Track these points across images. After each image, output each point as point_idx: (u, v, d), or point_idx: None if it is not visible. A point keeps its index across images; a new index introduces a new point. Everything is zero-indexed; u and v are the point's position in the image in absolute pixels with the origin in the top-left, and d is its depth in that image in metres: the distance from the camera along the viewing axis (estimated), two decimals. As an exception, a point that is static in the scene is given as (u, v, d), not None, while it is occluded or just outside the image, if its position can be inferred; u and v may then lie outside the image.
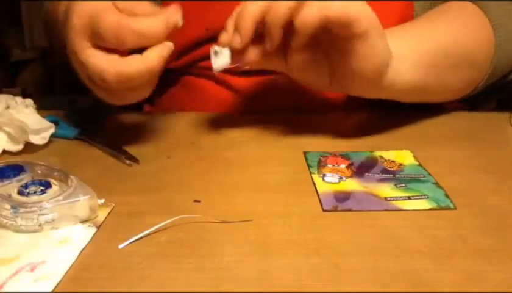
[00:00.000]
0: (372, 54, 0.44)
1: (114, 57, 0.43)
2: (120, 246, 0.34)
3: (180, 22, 0.44)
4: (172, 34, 0.44)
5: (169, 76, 0.64)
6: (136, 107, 0.73)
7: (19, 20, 2.12)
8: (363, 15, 0.43)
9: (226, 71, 0.50)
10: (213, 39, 0.49)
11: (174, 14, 0.43)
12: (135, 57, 0.43)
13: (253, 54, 0.46)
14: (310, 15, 0.42)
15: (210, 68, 0.49)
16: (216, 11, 0.57)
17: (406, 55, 0.49)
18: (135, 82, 0.43)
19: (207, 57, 0.55)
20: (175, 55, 0.55)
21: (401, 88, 0.49)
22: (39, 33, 2.09)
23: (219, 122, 0.57)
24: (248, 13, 0.43)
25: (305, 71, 0.48)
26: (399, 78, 0.48)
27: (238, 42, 0.44)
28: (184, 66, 0.63)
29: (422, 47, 0.51)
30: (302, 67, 0.47)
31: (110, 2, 0.44)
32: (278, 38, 0.44)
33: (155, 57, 0.43)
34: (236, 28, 0.44)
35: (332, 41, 0.46)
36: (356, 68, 0.45)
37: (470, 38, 0.55)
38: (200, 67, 0.62)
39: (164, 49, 0.44)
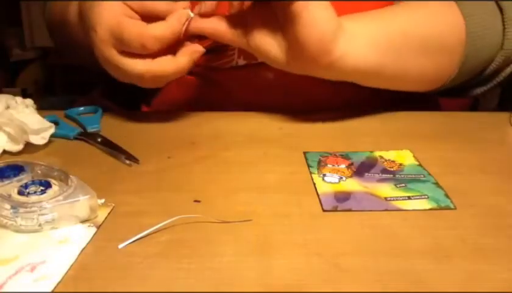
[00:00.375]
0: (314, 21, 0.47)
1: (149, 61, 0.49)
2: (120, 246, 0.34)
3: (191, 14, 0.50)
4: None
5: None
6: (134, 108, 0.73)
7: (19, 20, 2.12)
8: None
9: (216, 67, 0.53)
10: (202, 37, 0.51)
11: (184, 11, 0.49)
12: (168, 59, 0.50)
13: (216, 22, 0.51)
14: None
15: (203, 66, 0.51)
16: None
17: (360, 34, 0.50)
18: (169, 79, 0.51)
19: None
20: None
21: (355, 67, 0.51)
22: (39, 33, 2.09)
23: (219, 122, 0.57)
24: None
25: (263, 46, 0.50)
26: (352, 57, 0.50)
27: (206, 7, 0.50)
28: None
29: (378, 27, 0.52)
30: (259, 42, 0.50)
31: (127, 8, 0.49)
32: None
33: (186, 61, 0.51)
34: None
35: (280, 6, 0.48)
36: (302, 35, 0.47)
37: (437, 21, 0.55)
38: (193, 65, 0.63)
39: (195, 54, 0.51)
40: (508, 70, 0.60)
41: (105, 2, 0.49)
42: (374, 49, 0.51)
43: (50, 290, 0.30)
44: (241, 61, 0.60)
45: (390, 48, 0.52)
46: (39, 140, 0.49)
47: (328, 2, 0.48)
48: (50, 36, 0.74)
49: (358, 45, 0.50)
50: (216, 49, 0.60)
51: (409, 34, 0.53)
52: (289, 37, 0.49)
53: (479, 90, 0.62)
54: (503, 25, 0.57)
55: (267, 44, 0.50)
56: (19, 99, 0.53)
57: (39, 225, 0.36)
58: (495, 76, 0.61)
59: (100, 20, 0.49)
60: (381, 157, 0.48)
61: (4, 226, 0.36)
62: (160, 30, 0.48)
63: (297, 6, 0.46)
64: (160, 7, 0.49)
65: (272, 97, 0.61)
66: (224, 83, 0.62)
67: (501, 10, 0.57)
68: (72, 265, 0.33)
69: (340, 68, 0.50)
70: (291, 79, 0.57)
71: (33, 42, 2.14)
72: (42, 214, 0.35)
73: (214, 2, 0.50)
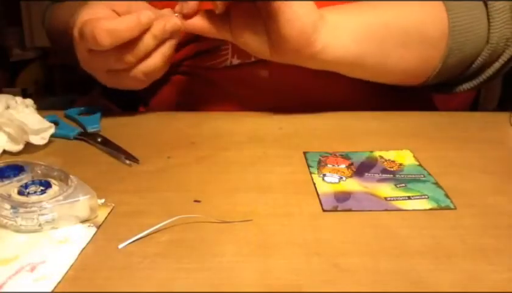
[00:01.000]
0: (295, 15, 0.48)
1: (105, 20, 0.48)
2: (120, 246, 0.34)
3: (152, 17, 0.49)
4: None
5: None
6: (134, 108, 0.73)
7: (19, 20, 2.12)
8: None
9: (211, 67, 0.53)
10: (196, 40, 0.52)
11: (145, 12, 0.49)
12: (127, 16, 0.49)
13: (200, 20, 0.51)
14: None
15: (197, 66, 0.51)
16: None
17: (341, 25, 0.52)
18: (126, 38, 0.48)
19: (193, 56, 0.57)
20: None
21: (336, 56, 0.52)
22: (39, 33, 2.09)
23: (219, 122, 0.57)
24: None
25: (247, 39, 0.51)
26: (333, 48, 0.51)
27: (188, 8, 0.50)
28: (172, 66, 0.64)
29: (360, 19, 0.53)
30: (243, 35, 0.51)
31: (107, 11, 0.50)
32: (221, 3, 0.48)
33: (147, 16, 0.49)
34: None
35: (263, 5, 0.49)
36: (283, 30, 0.49)
37: (419, 13, 0.55)
38: (187, 65, 0.63)
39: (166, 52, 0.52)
40: (496, 65, 0.59)
41: (91, 3, 0.51)
42: (355, 40, 0.52)
43: (50, 290, 0.30)
44: (235, 61, 0.60)
45: (371, 39, 0.53)
46: (39, 140, 0.49)
47: None
48: (51, 44, 0.74)
49: (339, 37, 0.51)
50: (209, 49, 0.61)
51: (390, 26, 0.54)
52: (271, 31, 0.50)
53: (467, 86, 0.62)
54: (488, 19, 0.56)
55: (251, 38, 0.51)
56: (19, 99, 0.53)
57: (39, 225, 0.36)
58: (483, 71, 0.60)
59: (76, 22, 0.50)
60: (381, 157, 0.48)
61: (4, 226, 0.36)
62: (113, 24, 0.47)
63: (278, 2, 0.47)
64: (136, 10, 0.50)
65: (267, 95, 0.61)
66: (219, 83, 0.62)
67: (486, 3, 0.57)
68: (72, 265, 0.33)
69: (322, 59, 0.52)
70: (285, 77, 0.57)
71: (33, 42, 2.13)
72: (42, 214, 0.35)
73: (196, 3, 0.50)
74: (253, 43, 0.52)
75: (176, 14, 0.51)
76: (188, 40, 0.61)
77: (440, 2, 0.56)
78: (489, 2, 0.56)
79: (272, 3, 0.48)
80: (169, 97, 0.66)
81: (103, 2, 0.51)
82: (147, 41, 0.50)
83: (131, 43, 0.49)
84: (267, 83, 0.61)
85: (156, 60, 0.52)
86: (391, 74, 0.57)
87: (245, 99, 0.61)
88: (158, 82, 0.66)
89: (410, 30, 0.54)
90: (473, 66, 0.59)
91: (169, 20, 0.50)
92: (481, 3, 0.57)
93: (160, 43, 0.51)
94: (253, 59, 0.59)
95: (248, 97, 0.61)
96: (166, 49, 0.52)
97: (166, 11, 0.52)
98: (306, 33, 0.49)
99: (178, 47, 0.62)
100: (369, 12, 0.54)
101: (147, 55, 0.51)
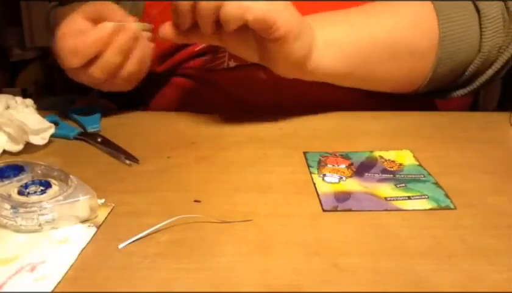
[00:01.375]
0: (290, 52, 0.49)
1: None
2: (120, 246, 0.34)
3: (113, 29, 0.50)
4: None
5: (158, 79, 0.66)
6: (134, 108, 0.73)
7: (19, 20, 2.12)
8: (281, 20, 0.46)
9: (210, 69, 0.55)
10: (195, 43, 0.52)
11: (105, 25, 0.50)
12: (90, 32, 0.50)
13: (193, 35, 0.50)
14: (231, 14, 0.45)
15: (196, 68, 0.51)
16: None
17: (330, 45, 0.53)
18: (91, 54, 0.50)
19: (192, 58, 0.58)
20: (158, 60, 0.59)
21: (326, 73, 0.54)
22: (39, 33, 2.09)
23: (219, 122, 0.57)
24: (184, 6, 0.46)
25: (237, 48, 0.51)
26: (322, 64, 0.53)
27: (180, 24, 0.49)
28: (170, 69, 0.64)
29: (348, 35, 0.54)
30: (234, 45, 0.51)
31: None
32: (209, 28, 0.47)
33: (107, 29, 0.50)
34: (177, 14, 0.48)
35: (257, 33, 0.49)
36: (278, 61, 0.50)
37: (408, 25, 0.55)
38: (185, 68, 0.63)
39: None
40: (489, 72, 0.59)
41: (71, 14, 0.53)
42: (343, 58, 0.54)
43: (50, 290, 0.30)
44: (232, 63, 0.61)
45: (358, 55, 0.54)
46: (39, 140, 0.49)
47: (300, 29, 0.48)
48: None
49: (329, 57, 0.53)
50: (207, 51, 0.61)
51: (378, 41, 0.54)
52: (264, 53, 0.51)
53: (461, 92, 0.62)
54: (480, 28, 0.56)
55: (241, 47, 0.51)
56: (19, 99, 0.53)
57: (39, 225, 0.36)
58: (476, 79, 0.60)
59: (56, 35, 0.52)
60: (381, 157, 0.48)
61: (4, 226, 0.36)
62: (75, 43, 0.49)
63: (274, 44, 0.48)
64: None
65: (265, 96, 0.61)
66: (219, 84, 0.62)
67: (478, 11, 0.56)
68: (72, 265, 0.33)
69: (312, 76, 0.54)
70: (283, 78, 0.57)
71: (33, 42, 2.13)
72: (42, 214, 0.35)
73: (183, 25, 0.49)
74: (244, 52, 0.52)
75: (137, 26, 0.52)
76: (177, 47, 0.62)
77: (432, 11, 0.56)
78: (482, 11, 0.56)
79: (271, 43, 0.48)
80: (170, 99, 0.67)
81: (80, 12, 0.52)
82: (111, 57, 0.51)
83: (98, 59, 0.50)
84: (265, 83, 0.61)
85: (130, 67, 0.53)
86: (381, 84, 0.58)
87: (245, 100, 0.61)
88: (158, 84, 0.66)
89: (398, 44, 0.55)
90: (466, 73, 0.59)
91: (129, 30, 0.51)
92: (474, 11, 0.56)
93: (129, 52, 0.52)
94: (249, 62, 0.59)
95: (247, 98, 0.61)
96: (139, 53, 0.53)
97: (131, 19, 0.52)
98: (299, 63, 0.51)
99: (171, 54, 0.63)
100: (357, 26, 0.54)
101: (119, 66, 0.52)
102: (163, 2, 0.60)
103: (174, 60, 0.63)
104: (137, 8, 0.63)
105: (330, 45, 0.53)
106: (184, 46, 0.62)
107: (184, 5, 0.46)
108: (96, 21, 0.51)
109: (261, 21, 0.45)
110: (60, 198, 0.36)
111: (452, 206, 0.40)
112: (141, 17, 0.62)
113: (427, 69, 0.57)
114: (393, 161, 0.47)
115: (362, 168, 0.46)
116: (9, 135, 0.48)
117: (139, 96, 0.70)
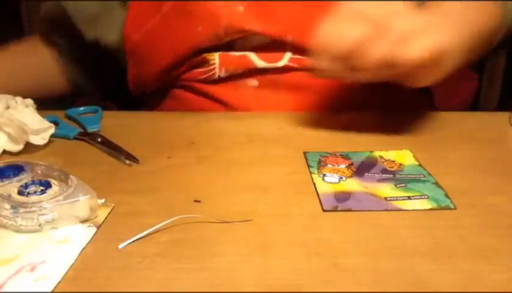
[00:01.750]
0: (439, 72, 0.47)
1: None
2: (120, 246, 0.34)
3: None
4: None
5: (159, 90, 0.66)
6: (134, 108, 0.73)
7: (19, 20, 2.11)
8: (449, 56, 0.46)
9: (203, 80, 0.58)
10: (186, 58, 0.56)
11: None
12: None
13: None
14: (413, 57, 0.43)
15: (192, 80, 0.56)
16: (180, 38, 0.60)
17: (457, 52, 0.50)
18: None
19: (188, 70, 0.58)
20: (159, 77, 0.61)
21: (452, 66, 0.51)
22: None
23: (219, 122, 0.57)
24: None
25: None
26: (451, 65, 0.50)
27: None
28: (171, 81, 0.64)
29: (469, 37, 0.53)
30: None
31: None
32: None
33: None
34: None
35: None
36: (419, 79, 0.48)
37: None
38: (184, 80, 0.64)
39: None
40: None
41: None
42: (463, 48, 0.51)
43: (50, 290, 0.30)
44: (223, 74, 0.61)
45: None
46: (39, 140, 0.49)
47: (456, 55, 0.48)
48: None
49: (454, 57, 0.49)
50: (199, 63, 0.61)
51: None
52: (408, 76, 0.49)
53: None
54: None
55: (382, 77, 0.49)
56: (19, 99, 0.53)
57: (39, 225, 0.36)
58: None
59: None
60: (381, 157, 0.48)
61: (4, 226, 0.36)
62: None
63: (429, 69, 0.46)
64: None
65: (258, 104, 0.61)
66: (214, 94, 0.63)
67: None
68: (72, 265, 0.33)
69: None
70: (275, 86, 0.57)
71: (33, 42, 2.13)
72: (42, 214, 0.35)
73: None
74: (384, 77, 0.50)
75: None
76: (172, 66, 0.62)
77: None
78: None
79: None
80: (169, 108, 0.67)
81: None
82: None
83: None
84: (257, 91, 0.61)
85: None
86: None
87: (238, 107, 0.62)
88: (159, 96, 0.66)
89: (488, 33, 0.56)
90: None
91: None
92: None
93: None
94: (240, 71, 0.60)
95: (242, 107, 0.62)
96: None
97: None
98: (437, 81, 0.49)
99: (169, 70, 0.63)
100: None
101: None
102: (143, 29, 0.61)
103: (175, 73, 0.64)
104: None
105: (457, 53, 0.50)
106: (182, 61, 0.62)
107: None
108: None
109: (434, 58, 0.44)
110: (60, 198, 0.36)
111: (452, 206, 0.40)
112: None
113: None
114: (393, 161, 0.47)
115: (363, 168, 0.46)
116: (9, 135, 0.48)
117: (140, 97, 0.70)
